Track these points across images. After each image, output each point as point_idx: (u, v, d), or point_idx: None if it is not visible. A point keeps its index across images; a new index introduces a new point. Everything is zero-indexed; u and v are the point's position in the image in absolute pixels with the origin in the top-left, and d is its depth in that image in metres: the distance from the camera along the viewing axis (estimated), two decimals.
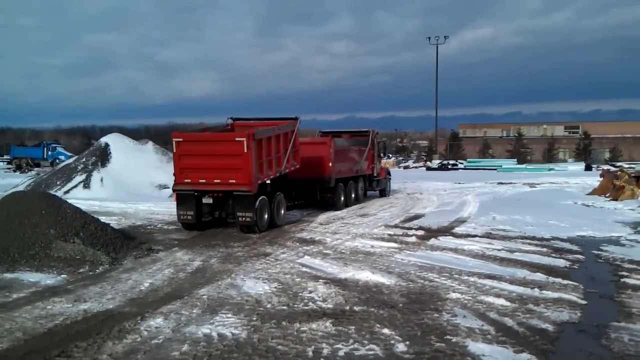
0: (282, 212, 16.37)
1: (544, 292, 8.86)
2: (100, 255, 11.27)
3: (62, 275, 10.00)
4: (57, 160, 60.00)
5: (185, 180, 14.55)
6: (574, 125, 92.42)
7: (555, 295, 8.69)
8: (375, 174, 25.27)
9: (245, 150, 13.94)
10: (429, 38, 77.25)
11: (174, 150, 14.68)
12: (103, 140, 30.34)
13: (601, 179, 35.03)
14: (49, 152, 62.02)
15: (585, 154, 68.54)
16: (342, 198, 21.11)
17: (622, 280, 9.72)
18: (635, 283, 9.43)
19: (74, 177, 27.90)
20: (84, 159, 29.24)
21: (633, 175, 25.61)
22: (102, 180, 27.33)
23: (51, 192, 26.63)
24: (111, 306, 8.09)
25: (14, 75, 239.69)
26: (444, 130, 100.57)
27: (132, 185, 27.65)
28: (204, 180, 14.40)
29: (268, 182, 15.60)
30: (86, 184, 27.04)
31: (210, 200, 14.64)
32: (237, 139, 14.24)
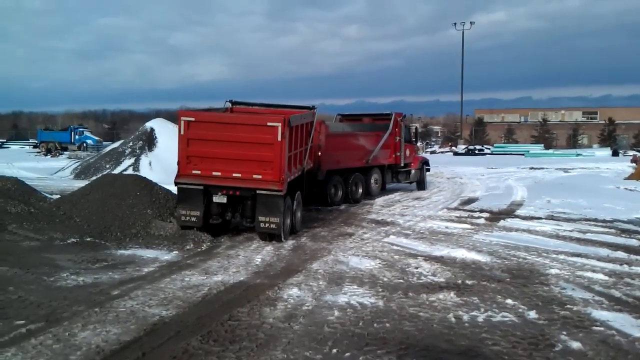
0: (300, 214, 13.39)
1: (633, 268, 9.52)
2: (200, 233, 11.96)
3: (174, 252, 10.73)
4: (85, 144, 61.04)
5: (194, 172, 11.79)
6: (592, 110, 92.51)
7: None
8: (402, 164, 21.70)
9: (279, 139, 11.42)
10: (455, 24, 77.06)
11: (181, 133, 11.80)
12: (148, 125, 31.08)
13: (633, 164, 35.56)
14: (77, 136, 62.78)
15: (610, 139, 68.82)
16: (340, 193, 18.29)
17: None
18: None
19: (122, 161, 28.71)
20: (130, 143, 30.04)
21: None
22: (150, 164, 28.06)
23: (101, 174, 27.54)
24: (242, 278, 8.81)
25: (24, 59, 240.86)
26: (456, 115, 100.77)
27: None
28: (218, 174, 11.67)
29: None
30: (135, 167, 27.79)
31: (224, 200, 11.79)
32: (269, 123, 11.58)
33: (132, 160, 28.50)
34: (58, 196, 16.00)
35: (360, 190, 19.26)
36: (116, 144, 32.98)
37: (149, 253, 10.62)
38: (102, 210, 12.69)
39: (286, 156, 11.79)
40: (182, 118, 11.81)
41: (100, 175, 19.43)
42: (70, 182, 26.12)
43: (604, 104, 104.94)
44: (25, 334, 6.31)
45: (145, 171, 27.58)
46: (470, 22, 76.68)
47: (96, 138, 64.88)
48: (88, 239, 11.58)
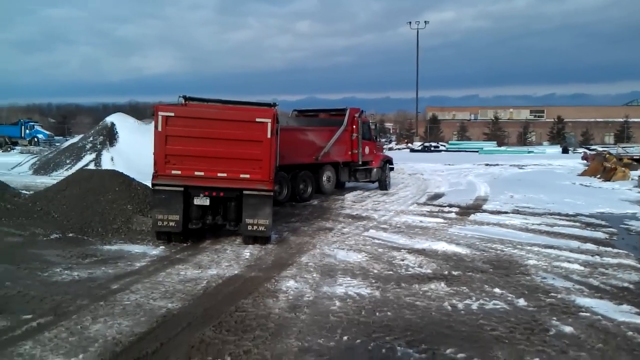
0: None
1: (604, 258, 10.12)
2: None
3: (161, 247, 10.79)
4: (36, 139, 59.61)
5: (173, 172, 10.90)
6: (539, 109, 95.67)
7: (615, 261, 9.95)
8: (360, 162, 20.82)
9: (269, 136, 10.92)
10: (410, 23, 78.33)
11: (159, 129, 10.85)
12: (108, 119, 30.65)
13: (584, 161, 37.09)
14: (27, 131, 61.23)
15: (559, 137, 71.30)
16: (285, 190, 17.58)
17: None
18: None
19: (83, 156, 28.32)
20: (91, 138, 29.60)
21: (628, 157, 27.48)
22: (112, 159, 27.72)
23: (62, 170, 27.16)
24: (236, 272, 9.00)
25: None
26: (406, 112, 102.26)
27: (142, 164, 28.04)
28: (201, 174, 10.91)
29: None
30: (97, 162, 27.42)
31: (207, 202, 10.98)
32: (258, 119, 11.04)
33: (94, 155, 28.12)
34: (26, 192, 15.79)
35: (310, 189, 18.60)
36: (75, 139, 32.42)
37: (136, 248, 10.67)
38: (81, 205, 12.62)
39: (275, 154, 11.36)
40: (160, 113, 10.79)
41: (77, 170, 19.15)
42: (31, 177, 25.66)
43: (548, 103, 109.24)
44: (36, 327, 6.38)
45: (107, 166, 27.24)
46: (425, 22, 78.00)
47: (47, 132, 63.51)
48: (70, 235, 11.56)
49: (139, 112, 56.60)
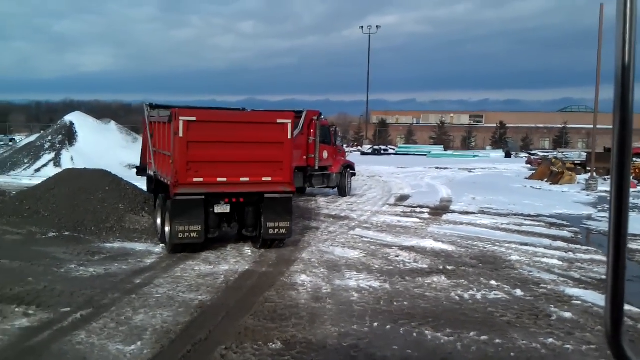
0: None
1: (577, 255, 11.10)
2: None
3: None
4: None
5: (195, 180, 10.32)
6: (478, 114, 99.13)
7: (588, 257, 10.94)
8: (317, 167, 19.61)
9: (290, 137, 10.91)
10: (362, 27, 79.92)
11: (180, 135, 10.13)
12: (67, 118, 30.37)
13: (528, 165, 38.97)
14: None
15: (501, 142, 74.15)
16: None
17: None
18: (637, 247, 11.82)
19: (42, 156, 27.99)
20: (49, 137, 29.25)
21: (570, 162, 29.18)
22: (72, 159, 27.53)
23: (20, 170, 26.71)
24: (247, 267, 9.49)
25: None
26: (347, 115, 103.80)
27: (102, 164, 27.82)
28: (224, 179, 10.50)
29: None
30: (57, 162, 27.17)
31: (228, 209, 10.66)
32: (279, 120, 10.98)
33: (53, 154, 27.90)
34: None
35: None
36: (32, 138, 31.88)
37: (137, 246, 11.00)
38: (72, 204, 12.80)
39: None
40: (182, 118, 10.15)
41: (65, 169, 19.03)
42: None
43: (483, 108, 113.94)
44: (81, 319, 6.73)
45: (67, 166, 27.02)
46: (377, 26, 79.75)
47: None
48: (66, 233, 11.77)
49: (75, 110, 55.31)
